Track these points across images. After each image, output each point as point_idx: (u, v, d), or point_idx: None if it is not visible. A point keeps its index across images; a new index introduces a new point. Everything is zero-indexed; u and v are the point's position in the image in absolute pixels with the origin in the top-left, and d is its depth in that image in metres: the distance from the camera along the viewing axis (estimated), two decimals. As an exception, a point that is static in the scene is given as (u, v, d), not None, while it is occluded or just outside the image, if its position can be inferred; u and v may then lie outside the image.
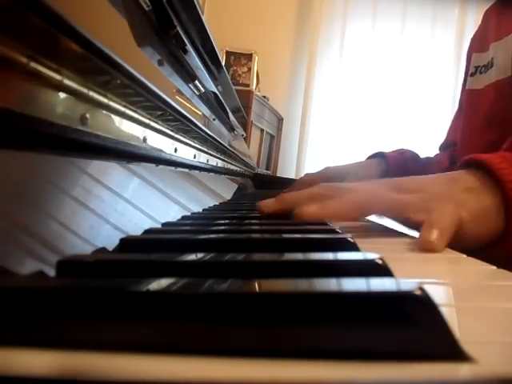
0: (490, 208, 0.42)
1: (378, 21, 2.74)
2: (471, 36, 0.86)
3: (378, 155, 0.85)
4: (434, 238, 0.36)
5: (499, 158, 0.44)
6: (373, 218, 0.62)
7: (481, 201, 0.42)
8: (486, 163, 0.43)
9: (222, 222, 0.47)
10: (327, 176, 0.79)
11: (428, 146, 1.28)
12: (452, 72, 2.64)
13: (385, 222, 0.56)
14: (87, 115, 0.25)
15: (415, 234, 0.46)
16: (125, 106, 0.31)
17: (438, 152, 0.95)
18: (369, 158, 0.88)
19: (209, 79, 0.69)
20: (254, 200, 0.69)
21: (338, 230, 0.35)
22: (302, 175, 0.95)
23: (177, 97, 0.47)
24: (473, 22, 2.55)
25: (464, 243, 0.40)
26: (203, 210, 0.57)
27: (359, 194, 0.44)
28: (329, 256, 0.24)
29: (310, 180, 0.78)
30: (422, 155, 0.91)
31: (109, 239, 0.28)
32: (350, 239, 0.30)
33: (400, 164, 0.81)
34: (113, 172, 0.33)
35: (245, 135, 1.56)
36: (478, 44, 0.79)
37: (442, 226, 0.37)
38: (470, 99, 0.79)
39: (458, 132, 0.83)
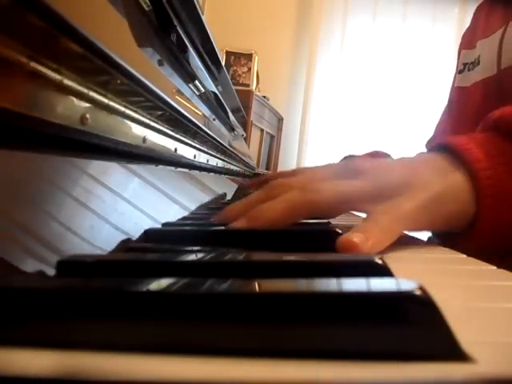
0: (457, 188, 0.38)
1: (377, 21, 2.74)
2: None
3: (348, 157, 0.83)
4: (358, 240, 0.31)
5: (469, 140, 0.40)
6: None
7: (447, 181, 0.38)
8: (454, 144, 0.40)
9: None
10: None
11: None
12: (452, 67, 2.63)
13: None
14: (87, 115, 0.25)
15: (415, 234, 0.46)
16: (125, 106, 0.31)
17: (424, 150, 0.94)
18: (342, 160, 0.85)
19: (209, 79, 0.69)
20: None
21: (338, 231, 0.35)
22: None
23: (177, 97, 0.47)
24: (473, 18, 2.55)
25: (425, 228, 0.38)
26: (204, 209, 0.57)
27: (296, 190, 0.37)
28: (329, 256, 0.24)
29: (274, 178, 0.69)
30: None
31: (109, 239, 0.28)
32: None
33: None
34: (113, 172, 0.33)
35: (245, 135, 1.56)
36: (467, 41, 0.79)
37: (378, 229, 0.33)
38: (458, 97, 0.78)
39: (445, 129, 0.83)
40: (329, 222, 0.39)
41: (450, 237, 0.41)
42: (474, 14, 0.81)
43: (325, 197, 0.37)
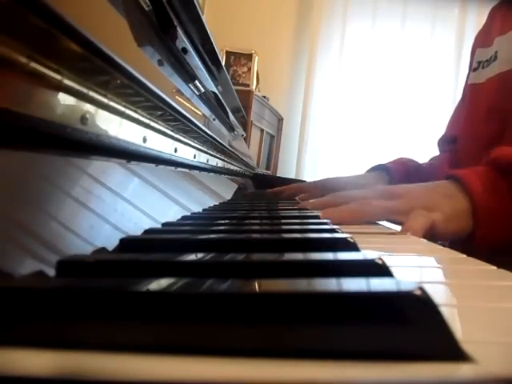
0: (460, 210, 0.54)
1: (377, 21, 2.74)
2: (472, 33, 0.88)
3: (380, 167, 0.87)
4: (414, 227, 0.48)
5: (472, 173, 0.56)
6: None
7: (454, 204, 0.54)
8: (460, 176, 0.56)
9: (222, 222, 0.47)
10: (328, 187, 0.87)
11: (428, 145, 1.28)
12: (452, 71, 2.63)
13: (384, 223, 0.58)
14: (87, 115, 0.25)
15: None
16: (125, 106, 0.31)
17: (436, 146, 0.96)
18: (369, 170, 0.90)
19: (209, 79, 0.69)
20: (254, 200, 0.69)
21: (337, 230, 0.35)
22: (304, 178, 1.11)
23: (177, 97, 0.47)
24: (473, 21, 2.55)
25: (439, 237, 0.53)
26: (203, 209, 0.57)
27: (354, 203, 0.55)
28: (329, 256, 0.24)
29: (311, 187, 0.93)
30: (422, 157, 0.92)
31: (109, 239, 0.28)
32: (349, 239, 0.30)
33: (403, 175, 0.84)
34: (113, 172, 0.33)
35: (245, 135, 1.56)
36: (482, 39, 0.81)
37: (414, 227, 0.48)
38: (472, 93, 0.80)
39: (458, 126, 0.84)
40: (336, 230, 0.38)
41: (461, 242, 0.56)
42: (490, 14, 0.84)
43: (374, 209, 0.54)
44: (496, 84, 0.72)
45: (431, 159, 0.96)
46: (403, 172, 0.85)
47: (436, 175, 0.83)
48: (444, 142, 0.94)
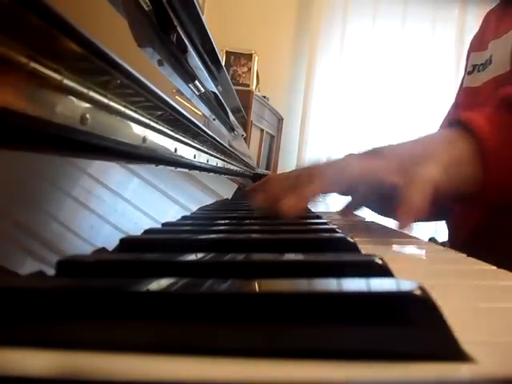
0: (463, 155, 0.44)
1: (377, 21, 2.74)
2: (472, 33, 0.88)
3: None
4: (407, 216, 0.39)
5: (476, 114, 0.46)
6: (374, 216, 0.62)
7: (453, 150, 0.44)
8: (463, 117, 0.46)
9: (222, 222, 0.47)
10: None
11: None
12: (452, 70, 2.63)
13: (384, 223, 0.57)
14: (87, 115, 0.25)
15: (415, 234, 0.46)
16: (125, 106, 0.31)
17: None
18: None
19: (209, 79, 0.69)
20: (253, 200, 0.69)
21: (338, 230, 0.35)
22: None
23: (177, 97, 0.47)
24: (473, 19, 2.55)
25: (442, 196, 0.42)
26: (199, 208, 0.57)
27: (330, 170, 0.45)
28: (329, 256, 0.24)
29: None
30: None
31: (109, 239, 0.28)
32: (349, 239, 0.30)
33: None
34: (113, 172, 0.33)
35: (245, 135, 1.56)
36: (477, 43, 0.81)
37: (410, 211, 0.39)
38: (467, 97, 0.80)
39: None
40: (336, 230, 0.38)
41: (464, 201, 0.47)
42: (485, 18, 0.84)
43: (361, 173, 0.43)
44: (492, 87, 0.72)
45: None
46: None
47: None
48: None
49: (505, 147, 0.43)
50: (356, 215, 0.67)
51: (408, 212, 0.39)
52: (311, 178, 0.44)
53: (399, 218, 0.39)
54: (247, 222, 0.47)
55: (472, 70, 0.79)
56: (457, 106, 0.86)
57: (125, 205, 0.34)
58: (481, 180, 0.43)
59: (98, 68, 0.25)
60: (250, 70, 2.47)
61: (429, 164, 0.41)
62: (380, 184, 0.42)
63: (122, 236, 0.30)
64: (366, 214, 0.66)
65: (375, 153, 0.45)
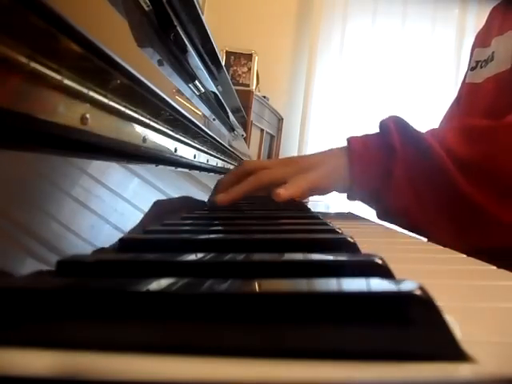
0: (341, 164, 0.62)
1: (378, 20, 2.74)
2: (472, 33, 0.88)
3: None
4: (282, 191, 0.56)
5: (359, 137, 0.65)
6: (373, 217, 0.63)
7: (334, 160, 0.63)
8: (348, 138, 0.65)
9: (222, 221, 0.47)
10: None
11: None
12: (452, 71, 2.63)
13: (384, 223, 0.58)
14: (87, 115, 0.25)
15: (415, 233, 0.46)
16: (125, 106, 0.31)
17: None
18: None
19: (209, 79, 0.69)
20: (253, 200, 0.69)
21: (338, 230, 0.35)
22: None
23: (177, 97, 0.47)
24: (473, 18, 2.55)
25: (320, 192, 0.63)
26: (198, 211, 0.57)
27: (258, 174, 0.61)
28: (329, 256, 0.24)
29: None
30: None
31: (109, 239, 0.28)
32: (349, 239, 0.30)
33: None
34: (113, 172, 0.33)
35: (245, 135, 1.56)
36: (481, 39, 0.81)
37: (287, 191, 0.56)
38: (469, 93, 0.80)
39: (452, 123, 0.84)
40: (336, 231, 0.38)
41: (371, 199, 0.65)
42: (490, 14, 0.84)
43: (264, 180, 0.60)
44: (493, 84, 0.73)
45: None
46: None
47: None
48: None
49: (365, 150, 0.62)
50: (357, 216, 0.67)
51: (286, 190, 0.56)
52: (245, 177, 0.60)
53: (276, 190, 0.56)
54: (247, 221, 0.47)
55: (475, 65, 0.79)
56: (458, 101, 0.86)
57: (125, 205, 0.34)
58: (350, 180, 0.61)
59: (98, 68, 0.25)
60: (249, 70, 2.47)
61: (307, 171, 0.60)
62: (281, 183, 0.59)
63: (122, 236, 0.29)
64: (366, 215, 0.66)
65: (289, 162, 0.65)
